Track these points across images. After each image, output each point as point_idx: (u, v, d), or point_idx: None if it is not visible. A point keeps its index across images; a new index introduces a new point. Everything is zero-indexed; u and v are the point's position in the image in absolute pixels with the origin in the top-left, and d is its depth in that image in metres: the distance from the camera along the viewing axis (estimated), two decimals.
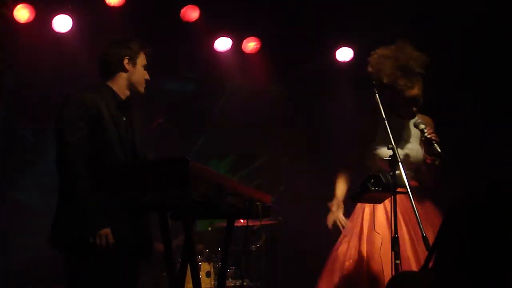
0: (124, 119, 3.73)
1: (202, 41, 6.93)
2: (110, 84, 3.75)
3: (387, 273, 3.77)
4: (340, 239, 4.18)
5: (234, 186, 3.18)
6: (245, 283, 6.15)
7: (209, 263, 6.09)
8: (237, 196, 3.20)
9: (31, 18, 6.26)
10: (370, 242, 4.00)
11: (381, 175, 3.68)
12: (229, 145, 7.48)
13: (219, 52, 7.06)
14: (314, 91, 7.12)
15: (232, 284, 6.10)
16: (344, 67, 7.08)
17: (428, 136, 3.91)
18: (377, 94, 3.91)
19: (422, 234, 3.48)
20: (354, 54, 7.11)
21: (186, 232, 3.14)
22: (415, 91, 4.06)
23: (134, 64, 3.77)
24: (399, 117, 4.17)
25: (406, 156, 4.10)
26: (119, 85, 3.76)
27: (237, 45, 7.10)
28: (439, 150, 3.87)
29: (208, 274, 6.03)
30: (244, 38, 7.14)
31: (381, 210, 4.06)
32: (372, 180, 3.69)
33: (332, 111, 6.82)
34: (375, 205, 4.01)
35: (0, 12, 6.15)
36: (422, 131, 3.95)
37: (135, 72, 3.77)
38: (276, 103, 7.37)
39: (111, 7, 6.48)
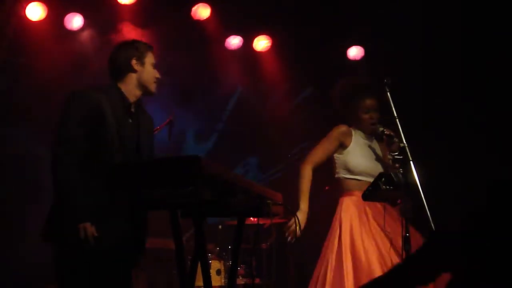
0: (131, 121, 3.68)
1: (213, 39, 6.94)
2: (120, 85, 3.71)
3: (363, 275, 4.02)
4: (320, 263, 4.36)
5: (245, 184, 3.17)
6: (255, 281, 6.16)
7: (220, 261, 6.09)
8: (248, 194, 3.20)
9: (44, 16, 6.30)
10: (355, 256, 4.18)
11: (392, 174, 3.69)
12: (241, 144, 7.49)
13: (231, 50, 7.07)
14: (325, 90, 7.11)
15: (243, 282, 6.10)
16: (355, 65, 7.08)
17: (387, 133, 4.23)
18: (388, 93, 4.01)
19: None
20: (365, 53, 7.11)
21: (197, 230, 3.13)
22: (372, 101, 4.50)
23: (142, 64, 3.74)
24: (364, 134, 4.56)
25: (378, 169, 4.41)
26: (129, 86, 3.72)
27: (248, 43, 7.11)
28: (404, 143, 4.04)
29: (218, 272, 6.04)
30: (255, 37, 7.15)
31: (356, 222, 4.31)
32: (383, 179, 3.70)
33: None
34: (352, 217, 4.31)
35: (13, 10, 6.19)
36: (382, 132, 4.27)
37: (144, 72, 3.74)
38: (287, 102, 7.37)
39: (122, 6, 6.50)
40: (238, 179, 3.11)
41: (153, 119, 3.92)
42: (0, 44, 6.16)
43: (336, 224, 4.38)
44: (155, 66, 3.81)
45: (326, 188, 6.22)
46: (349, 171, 4.47)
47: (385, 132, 4.26)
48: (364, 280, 4.02)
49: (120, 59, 3.74)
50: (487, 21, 6.03)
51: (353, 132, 4.55)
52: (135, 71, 3.72)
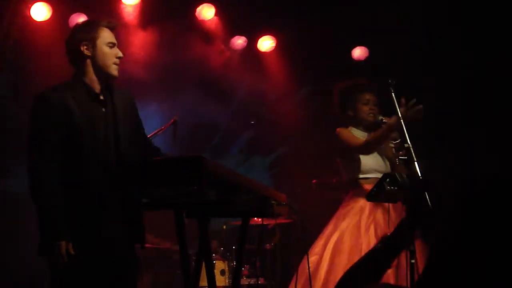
0: (104, 110, 3.39)
1: (217, 40, 6.94)
2: (81, 76, 3.40)
3: None
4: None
5: (249, 184, 3.17)
6: (259, 282, 6.15)
7: (224, 261, 6.09)
8: (252, 195, 3.20)
9: (48, 16, 6.31)
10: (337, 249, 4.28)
11: (396, 174, 3.69)
12: (245, 145, 7.50)
13: (235, 50, 7.07)
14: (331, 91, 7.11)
15: (247, 283, 6.10)
16: (359, 66, 7.08)
17: (385, 121, 4.32)
18: (392, 93, 4.03)
19: None
20: (370, 53, 7.10)
21: (201, 230, 3.13)
22: (371, 96, 4.59)
23: (94, 47, 3.38)
24: (363, 129, 4.62)
25: (383, 165, 4.52)
26: (89, 74, 3.39)
27: (252, 43, 7.11)
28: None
29: (222, 272, 6.04)
30: (260, 37, 7.14)
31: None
32: (388, 179, 3.70)
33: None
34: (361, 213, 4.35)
35: (18, 10, 6.20)
36: (381, 120, 4.37)
37: (98, 55, 3.38)
38: (292, 102, 7.36)
39: (127, 6, 6.51)
40: (242, 179, 3.11)
41: (129, 91, 3.59)
42: (5, 44, 6.18)
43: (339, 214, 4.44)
44: (114, 45, 3.45)
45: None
46: (359, 171, 4.49)
47: (383, 121, 4.31)
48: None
49: (70, 47, 3.42)
50: (488, 21, 6.04)
51: (352, 131, 4.59)
52: (88, 56, 3.39)
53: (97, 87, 3.42)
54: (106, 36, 3.43)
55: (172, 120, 5.29)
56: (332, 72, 6.87)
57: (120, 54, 3.45)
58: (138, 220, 3.47)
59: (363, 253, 4.13)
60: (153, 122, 5.83)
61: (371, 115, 4.55)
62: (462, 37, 6.25)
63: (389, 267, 2.05)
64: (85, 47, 3.39)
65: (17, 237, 6.08)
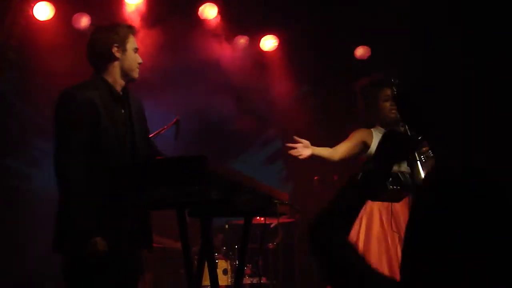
0: (123, 111, 3.49)
1: (220, 39, 6.94)
2: (105, 76, 3.48)
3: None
4: None
5: (251, 184, 3.18)
6: (262, 281, 6.16)
7: (226, 261, 6.10)
8: (254, 194, 3.21)
9: (51, 15, 6.32)
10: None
11: (399, 174, 3.70)
12: (246, 144, 7.51)
13: (238, 49, 7.07)
14: (333, 91, 7.12)
15: (249, 282, 6.11)
16: (362, 65, 7.08)
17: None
18: (395, 92, 4.05)
19: None
20: (372, 52, 7.11)
21: (204, 229, 3.14)
22: (390, 92, 4.47)
23: (124, 50, 3.50)
24: (385, 127, 4.56)
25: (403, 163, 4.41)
26: (114, 75, 3.49)
27: (255, 43, 7.12)
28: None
29: (225, 272, 6.04)
30: (262, 36, 7.15)
31: (377, 221, 4.41)
32: (391, 179, 3.70)
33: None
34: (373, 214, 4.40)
35: (21, 10, 6.21)
36: (399, 119, 4.26)
37: (126, 58, 3.50)
38: (295, 102, 7.37)
39: (130, 5, 6.52)
40: (244, 179, 3.12)
41: (139, 98, 3.70)
42: (8, 44, 6.19)
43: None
44: (137, 50, 3.58)
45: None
46: None
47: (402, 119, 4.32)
48: None
49: (100, 47, 3.49)
50: (488, 21, 6.04)
51: (373, 132, 4.58)
52: (117, 59, 3.49)
53: (118, 89, 3.51)
54: (133, 41, 3.56)
55: (175, 120, 5.29)
56: (333, 71, 6.91)
57: (141, 60, 3.59)
58: (145, 221, 3.51)
59: (391, 253, 4.16)
60: (154, 122, 5.85)
61: (393, 111, 4.54)
62: (462, 37, 6.26)
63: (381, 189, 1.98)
64: (115, 49, 3.48)
65: (17, 237, 6.10)
